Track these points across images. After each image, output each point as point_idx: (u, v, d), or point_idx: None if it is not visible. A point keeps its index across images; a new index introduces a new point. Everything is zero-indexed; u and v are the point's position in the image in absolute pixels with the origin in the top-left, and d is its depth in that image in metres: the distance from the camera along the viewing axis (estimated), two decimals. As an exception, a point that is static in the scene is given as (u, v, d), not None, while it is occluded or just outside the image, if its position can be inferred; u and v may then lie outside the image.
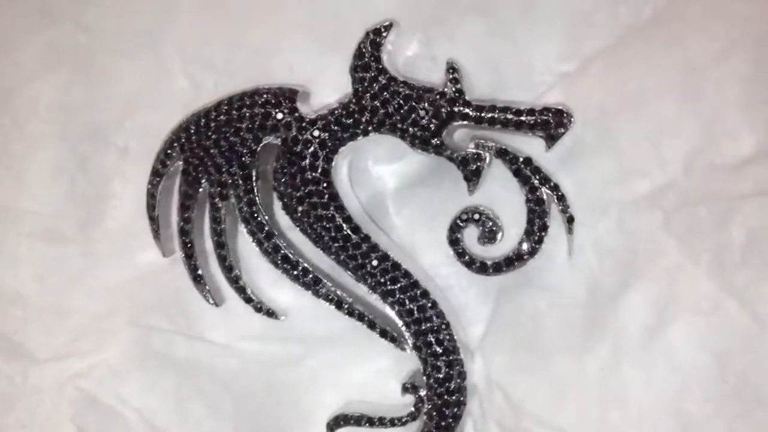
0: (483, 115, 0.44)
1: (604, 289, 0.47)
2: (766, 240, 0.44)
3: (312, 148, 0.46)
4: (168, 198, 0.50)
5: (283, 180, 0.47)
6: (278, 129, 0.46)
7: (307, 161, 0.46)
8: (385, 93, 0.45)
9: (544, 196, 0.44)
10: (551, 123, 0.43)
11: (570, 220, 0.44)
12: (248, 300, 0.49)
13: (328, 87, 0.47)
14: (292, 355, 0.52)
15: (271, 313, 0.49)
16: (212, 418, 0.52)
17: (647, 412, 0.46)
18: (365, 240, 0.47)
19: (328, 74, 0.48)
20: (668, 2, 0.46)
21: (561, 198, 0.44)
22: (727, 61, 0.44)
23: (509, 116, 0.43)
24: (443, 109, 0.44)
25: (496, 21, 0.47)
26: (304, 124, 0.46)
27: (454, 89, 0.44)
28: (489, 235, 0.46)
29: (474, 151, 0.44)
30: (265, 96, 0.47)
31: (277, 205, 0.48)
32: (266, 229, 0.47)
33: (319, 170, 0.46)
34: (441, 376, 0.47)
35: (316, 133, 0.46)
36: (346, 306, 0.48)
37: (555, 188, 0.44)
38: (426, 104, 0.44)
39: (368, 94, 0.45)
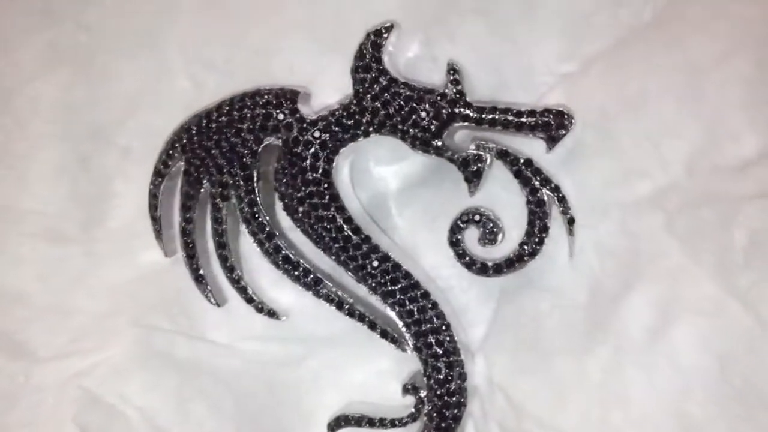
0: (484, 116, 0.44)
1: (605, 291, 0.47)
2: (768, 241, 0.44)
3: (313, 149, 0.46)
4: (170, 198, 0.50)
5: (284, 181, 0.47)
6: (279, 130, 0.47)
7: (308, 162, 0.46)
8: (386, 94, 0.45)
9: (545, 198, 0.44)
10: (552, 124, 0.43)
11: (571, 222, 0.44)
12: (249, 300, 0.49)
13: (329, 88, 0.47)
14: (293, 355, 0.52)
15: (272, 314, 0.49)
16: (214, 418, 0.52)
17: (649, 413, 0.46)
18: (366, 241, 0.47)
19: (329, 75, 0.48)
20: (669, 3, 0.46)
21: (562, 199, 0.44)
22: (728, 61, 0.44)
23: (510, 117, 0.43)
24: (444, 111, 0.44)
25: (497, 22, 0.47)
26: (305, 125, 0.46)
27: (454, 90, 0.44)
28: (490, 237, 0.46)
29: (475, 152, 0.44)
30: (266, 97, 0.47)
31: (279, 206, 0.48)
32: (267, 229, 0.48)
33: (320, 171, 0.46)
34: (441, 377, 0.47)
35: (316, 134, 0.46)
36: (346, 307, 0.48)
37: (556, 189, 0.44)
38: (427, 105, 0.44)
39: (369, 95, 0.45)
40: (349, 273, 0.47)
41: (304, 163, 0.46)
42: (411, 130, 0.44)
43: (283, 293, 0.50)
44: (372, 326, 0.48)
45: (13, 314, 0.54)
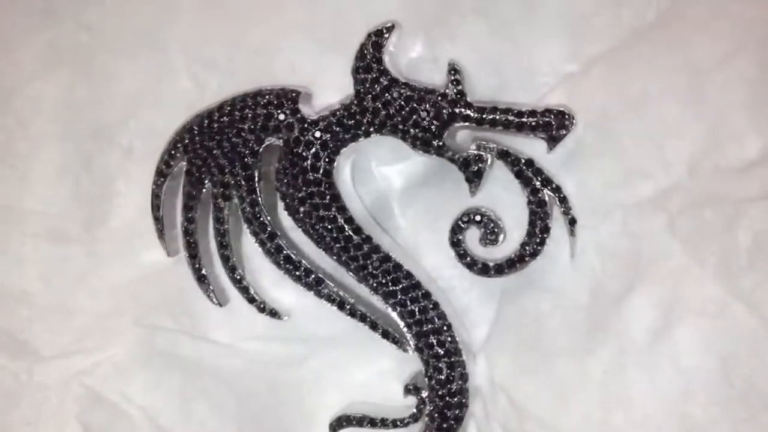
0: (484, 116, 0.44)
1: (607, 292, 0.46)
2: (772, 243, 0.44)
3: (314, 149, 0.46)
4: (172, 198, 0.50)
5: (285, 181, 0.47)
6: (280, 130, 0.47)
7: (309, 162, 0.46)
8: (387, 94, 0.45)
9: (546, 198, 0.44)
10: (553, 124, 0.43)
11: (572, 222, 0.44)
12: (251, 300, 0.49)
13: (330, 88, 0.47)
14: (295, 355, 0.52)
15: (274, 314, 0.49)
16: (216, 418, 0.53)
17: (651, 414, 0.46)
18: (367, 241, 0.47)
19: (330, 75, 0.48)
20: (672, 4, 0.45)
21: (563, 200, 0.44)
22: (731, 63, 0.44)
23: (511, 118, 0.43)
24: (444, 111, 0.44)
25: (498, 22, 0.47)
26: (306, 125, 0.46)
27: (455, 90, 0.44)
28: (491, 237, 0.46)
29: (475, 152, 0.44)
30: (267, 97, 0.47)
31: (280, 206, 0.48)
32: (269, 229, 0.48)
33: (321, 171, 0.46)
34: (443, 377, 0.47)
35: (317, 134, 0.46)
36: (348, 307, 0.48)
37: (557, 190, 0.44)
38: (427, 105, 0.44)
39: (370, 96, 0.45)
40: (351, 273, 0.47)
41: (306, 163, 0.46)
42: (412, 130, 0.44)
43: (285, 293, 0.50)
44: (373, 326, 0.48)
45: (15, 313, 0.54)
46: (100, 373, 0.53)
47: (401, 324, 0.47)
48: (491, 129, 0.44)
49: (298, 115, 0.46)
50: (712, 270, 0.44)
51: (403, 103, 0.44)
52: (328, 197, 0.46)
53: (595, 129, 0.46)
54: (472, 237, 0.46)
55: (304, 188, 0.46)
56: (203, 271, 0.49)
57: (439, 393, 0.47)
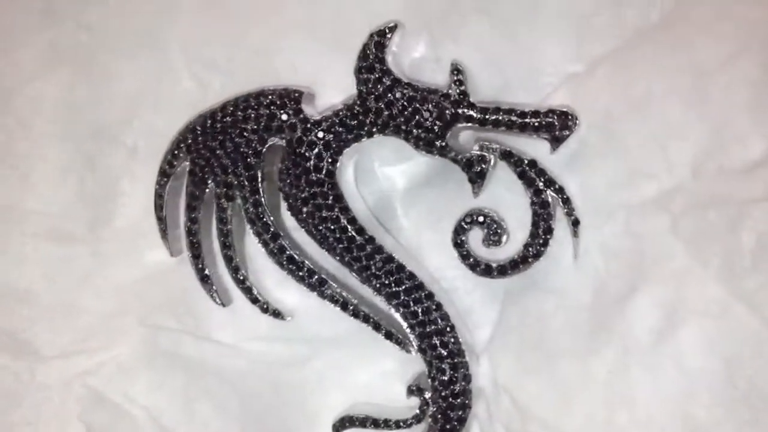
0: (487, 116, 0.43)
1: (610, 292, 0.46)
2: (776, 245, 0.44)
3: (317, 150, 0.46)
4: (176, 198, 0.50)
5: (288, 181, 0.47)
6: (283, 130, 0.47)
7: (312, 162, 0.46)
8: (390, 95, 0.45)
9: (549, 199, 0.44)
10: (556, 125, 0.43)
11: (575, 223, 0.44)
12: (255, 300, 0.49)
13: (332, 88, 0.47)
14: (298, 356, 0.52)
15: (277, 314, 0.49)
16: (219, 418, 0.53)
17: (655, 415, 0.46)
18: (370, 241, 0.47)
19: (333, 75, 0.47)
20: (676, 5, 0.45)
21: (566, 201, 0.44)
22: (735, 64, 0.44)
23: (514, 118, 0.43)
24: (447, 111, 0.44)
25: (502, 22, 0.47)
26: (308, 126, 0.46)
27: (458, 91, 0.44)
28: (494, 238, 0.46)
29: (478, 152, 0.44)
30: (270, 97, 0.47)
31: (283, 206, 0.48)
32: (272, 230, 0.48)
33: (324, 171, 0.46)
34: (446, 378, 0.47)
35: (320, 134, 0.46)
36: (351, 307, 0.48)
37: (560, 191, 0.44)
38: (430, 106, 0.44)
39: (372, 96, 0.45)
40: (354, 274, 0.47)
41: (308, 164, 0.46)
42: (414, 130, 0.44)
43: (288, 293, 0.50)
44: (377, 327, 0.48)
45: (18, 313, 0.54)
46: (103, 374, 0.53)
47: (404, 325, 0.47)
48: (494, 129, 0.44)
49: (301, 116, 0.46)
50: (715, 271, 0.44)
51: (405, 103, 0.44)
52: (331, 198, 0.46)
53: (598, 129, 0.46)
54: (475, 238, 0.46)
55: (307, 188, 0.46)
56: (206, 272, 0.49)
57: (443, 394, 0.47)
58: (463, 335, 0.47)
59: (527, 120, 0.43)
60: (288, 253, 0.48)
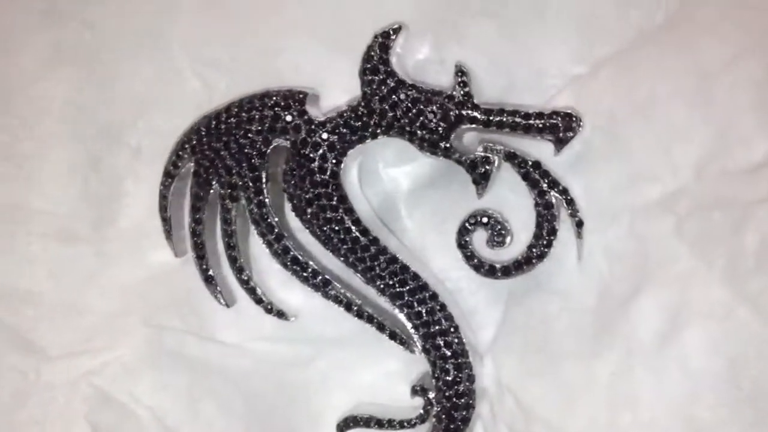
0: (491, 118, 0.43)
1: (614, 294, 0.46)
2: (780, 246, 0.44)
3: (321, 151, 0.46)
4: (180, 199, 0.50)
5: (292, 182, 0.47)
6: (287, 131, 0.47)
7: (316, 164, 0.46)
8: (394, 96, 0.45)
9: (553, 200, 0.44)
10: (560, 127, 0.43)
11: (579, 225, 0.44)
12: (259, 301, 0.49)
13: (337, 90, 0.47)
14: (302, 356, 0.52)
15: (281, 314, 0.49)
16: (223, 418, 0.53)
17: (658, 416, 0.46)
18: (374, 242, 0.47)
19: (337, 77, 0.47)
20: (680, 7, 0.45)
21: (570, 202, 0.44)
22: (739, 65, 0.44)
23: (518, 120, 0.43)
24: (451, 113, 0.44)
25: (506, 24, 0.47)
26: (313, 127, 0.46)
27: (462, 92, 0.44)
28: (498, 239, 0.46)
29: (482, 154, 0.44)
30: (274, 98, 0.47)
31: (288, 207, 0.48)
32: (276, 230, 0.48)
33: (328, 173, 0.46)
34: (450, 378, 0.47)
35: (325, 135, 0.46)
36: (355, 308, 0.48)
37: (564, 192, 0.44)
38: (434, 107, 0.44)
39: (377, 97, 0.45)
40: (358, 275, 0.47)
41: (313, 165, 0.46)
42: (419, 131, 0.44)
43: (292, 294, 0.50)
44: (381, 328, 0.48)
45: (24, 313, 0.54)
46: (108, 373, 0.54)
47: (408, 325, 0.47)
48: (498, 131, 0.44)
49: (306, 117, 0.46)
50: (719, 273, 0.44)
51: (410, 104, 0.44)
52: (335, 199, 0.46)
53: (602, 131, 0.46)
54: (479, 239, 0.46)
55: (311, 190, 0.46)
56: (211, 272, 0.49)
57: (446, 394, 0.47)
58: (467, 336, 0.47)
59: (531, 122, 0.43)
60: (292, 253, 0.48)
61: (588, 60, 0.46)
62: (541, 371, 0.48)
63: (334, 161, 0.46)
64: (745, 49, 0.44)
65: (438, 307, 0.47)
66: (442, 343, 0.47)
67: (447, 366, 0.47)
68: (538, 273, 0.46)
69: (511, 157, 0.44)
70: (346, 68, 0.46)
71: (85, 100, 0.53)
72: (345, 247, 0.47)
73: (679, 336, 0.45)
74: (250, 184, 0.47)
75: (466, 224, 0.46)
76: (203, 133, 0.48)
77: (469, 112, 0.44)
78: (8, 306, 0.54)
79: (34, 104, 0.53)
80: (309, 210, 0.47)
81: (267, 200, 0.47)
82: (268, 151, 0.47)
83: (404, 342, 0.48)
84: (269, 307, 0.49)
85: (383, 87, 0.45)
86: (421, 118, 0.44)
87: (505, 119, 0.43)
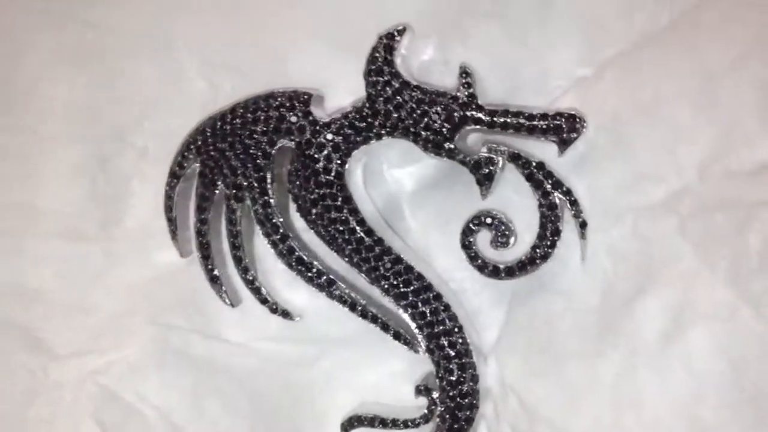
0: (495, 119, 0.44)
1: (618, 294, 0.46)
2: (783, 247, 0.44)
3: (326, 152, 0.46)
4: (186, 199, 0.50)
5: (297, 183, 0.47)
6: (292, 132, 0.47)
7: (321, 164, 0.46)
8: (398, 97, 0.45)
9: (557, 201, 0.44)
10: (564, 128, 0.43)
11: (583, 225, 0.44)
12: (264, 301, 0.49)
13: (342, 91, 0.47)
14: (307, 355, 0.52)
15: (286, 314, 0.49)
16: (228, 417, 0.53)
17: (661, 417, 0.46)
18: (378, 243, 0.47)
19: (342, 78, 0.48)
20: (685, 9, 0.45)
21: (574, 203, 0.44)
22: (743, 67, 0.44)
23: (522, 121, 0.43)
24: (456, 114, 0.44)
25: (511, 26, 0.47)
26: (317, 128, 0.46)
27: (466, 93, 0.44)
28: (502, 239, 0.46)
29: (486, 155, 0.44)
30: (279, 99, 0.47)
31: (293, 208, 0.48)
32: (281, 231, 0.48)
33: (333, 173, 0.46)
34: (453, 378, 0.47)
35: (329, 136, 0.46)
36: (359, 308, 0.48)
37: (567, 193, 0.44)
38: (439, 108, 0.44)
39: (381, 98, 0.45)
40: (362, 275, 0.48)
41: (317, 166, 0.46)
42: (423, 132, 0.45)
43: (297, 294, 0.50)
44: (385, 328, 0.48)
45: (32, 311, 0.54)
46: (115, 372, 0.54)
47: (413, 325, 0.47)
48: (502, 132, 0.44)
49: (310, 118, 0.46)
50: (722, 273, 0.44)
51: (414, 105, 0.45)
52: (339, 199, 0.47)
53: (606, 132, 0.46)
54: (483, 239, 0.46)
55: (316, 190, 0.47)
56: (216, 272, 0.49)
57: (450, 394, 0.47)
58: (471, 336, 0.48)
59: (535, 123, 0.43)
60: (297, 254, 0.48)
61: (592, 61, 0.46)
62: (545, 371, 0.48)
63: (338, 162, 0.46)
64: (750, 50, 0.44)
65: (442, 308, 0.47)
66: (446, 343, 0.47)
67: (451, 366, 0.47)
68: (541, 273, 0.46)
69: (515, 157, 0.44)
70: (350, 69, 0.46)
71: (92, 101, 0.53)
72: (349, 247, 0.47)
73: (682, 336, 0.45)
74: (255, 184, 0.48)
75: (470, 225, 0.46)
76: (209, 133, 0.48)
77: (474, 113, 0.44)
78: (17, 305, 0.54)
79: (41, 105, 0.54)
80: (314, 210, 0.47)
81: (272, 200, 0.48)
82: (273, 151, 0.47)
83: (408, 342, 0.48)
84: (274, 306, 0.49)
85: (388, 88, 0.45)
86: (426, 119, 0.44)
87: (509, 120, 0.43)
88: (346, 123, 0.46)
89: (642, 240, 0.46)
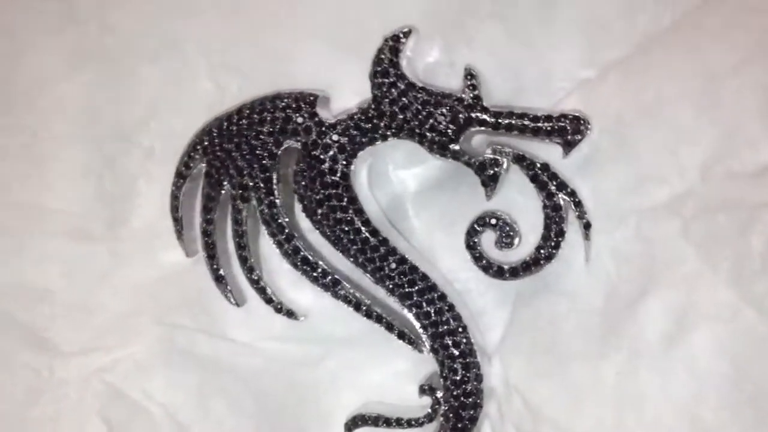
0: (500, 121, 0.44)
1: (621, 296, 0.47)
2: (786, 248, 0.44)
3: (331, 152, 0.47)
4: (192, 200, 0.50)
5: (303, 183, 0.47)
6: (298, 133, 0.47)
7: (327, 165, 0.47)
8: (404, 98, 0.45)
9: (561, 202, 0.44)
10: (568, 129, 0.43)
11: (587, 226, 0.44)
12: (269, 301, 0.49)
13: (347, 92, 0.47)
14: (312, 355, 0.52)
15: (291, 314, 0.49)
16: (233, 416, 0.53)
17: (663, 417, 0.46)
18: (383, 243, 0.47)
19: (348, 80, 0.48)
20: (687, 11, 0.45)
21: (578, 204, 0.44)
22: (746, 69, 0.44)
23: (526, 122, 0.43)
24: (461, 115, 0.44)
25: (516, 27, 0.47)
26: (323, 129, 0.47)
27: (471, 95, 0.44)
28: (506, 240, 0.46)
29: (491, 156, 0.44)
30: (285, 100, 0.47)
31: (298, 208, 0.48)
32: (287, 231, 0.48)
33: (339, 174, 0.47)
34: (457, 378, 0.47)
35: (335, 137, 0.46)
36: (364, 308, 0.48)
37: (572, 194, 0.44)
38: (444, 110, 0.44)
39: (387, 100, 0.45)
40: (367, 275, 0.48)
41: (323, 166, 0.47)
42: (428, 134, 0.45)
43: (302, 294, 0.50)
44: (389, 327, 0.48)
45: (38, 310, 0.54)
46: (121, 370, 0.54)
47: (417, 325, 0.48)
48: (507, 133, 0.44)
49: (316, 119, 0.47)
50: (725, 275, 0.45)
51: (419, 107, 0.45)
52: (345, 200, 0.47)
53: (610, 134, 0.46)
54: (487, 240, 0.46)
55: (321, 191, 0.47)
56: (221, 272, 0.50)
57: (454, 393, 0.48)
58: (475, 336, 0.48)
59: (540, 124, 0.43)
60: (302, 254, 0.48)
61: (596, 63, 0.47)
62: (549, 372, 0.48)
63: (344, 162, 0.47)
64: (752, 53, 0.44)
65: (446, 308, 0.47)
66: (450, 342, 0.47)
67: (455, 365, 0.47)
68: (546, 274, 0.46)
69: (520, 159, 0.44)
70: (356, 71, 0.46)
71: (99, 101, 0.53)
72: (355, 247, 0.47)
73: (685, 337, 0.45)
74: (261, 184, 0.48)
75: (475, 225, 0.46)
76: (215, 134, 0.48)
77: (479, 114, 0.44)
78: (22, 304, 0.55)
79: (48, 105, 0.54)
80: (319, 211, 0.47)
81: (278, 201, 0.48)
82: (279, 152, 0.47)
83: (413, 342, 0.48)
84: (279, 306, 0.49)
85: (393, 90, 0.45)
86: (431, 120, 0.45)
87: (513, 122, 0.44)
88: (352, 124, 0.46)
89: (645, 241, 0.46)
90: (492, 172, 0.44)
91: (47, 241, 0.54)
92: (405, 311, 0.48)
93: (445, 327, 0.47)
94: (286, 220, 0.48)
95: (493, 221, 0.46)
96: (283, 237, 0.48)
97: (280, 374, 0.53)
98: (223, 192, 0.49)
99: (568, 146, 0.43)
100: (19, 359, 0.55)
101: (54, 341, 0.55)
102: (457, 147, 0.45)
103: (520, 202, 0.47)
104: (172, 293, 0.53)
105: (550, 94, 0.47)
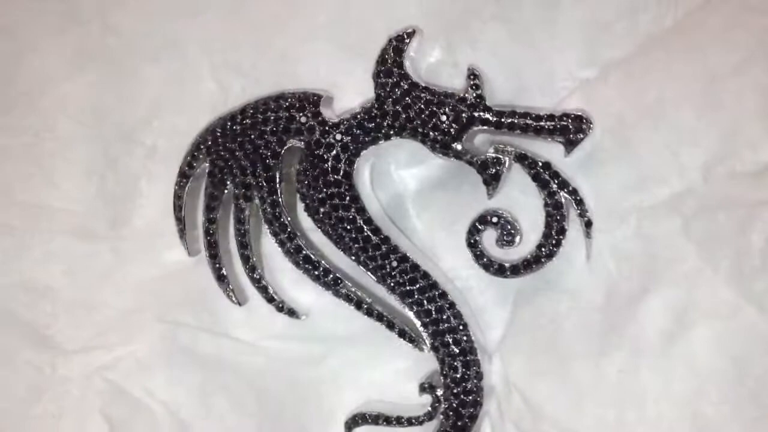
0: (503, 120, 0.44)
1: (622, 294, 0.47)
2: (786, 247, 0.44)
3: (334, 152, 0.47)
4: (194, 199, 0.50)
5: (305, 182, 0.47)
6: (302, 132, 0.47)
7: (330, 164, 0.47)
8: (407, 98, 0.45)
9: (563, 200, 0.45)
10: (570, 128, 0.43)
11: (588, 225, 0.45)
12: (270, 299, 0.50)
13: (351, 92, 0.48)
14: (314, 354, 0.52)
15: (292, 313, 0.50)
16: (235, 414, 0.53)
17: (664, 414, 0.46)
18: (385, 242, 0.47)
19: (352, 79, 0.48)
20: (689, 12, 0.46)
21: (579, 202, 0.44)
22: (747, 70, 0.44)
23: (529, 121, 0.44)
24: (463, 114, 0.44)
25: (518, 28, 0.47)
26: (327, 128, 0.47)
27: (474, 95, 0.44)
28: (507, 238, 0.46)
29: (493, 155, 0.45)
30: (289, 100, 0.47)
31: (300, 207, 0.48)
32: (289, 230, 0.48)
33: (341, 173, 0.47)
34: (458, 376, 0.48)
35: (338, 136, 0.47)
36: (365, 306, 0.48)
37: (573, 192, 0.44)
38: (447, 109, 0.45)
39: (390, 99, 0.45)
40: (369, 273, 0.48)
41: (326, 165, 0.47)
42: (431, 133, 0.45)
43: (304, 293, 0.51)
44: (390, 326, 0.48)
45: (40, 308, 0.55)
46: (123, 368, 0.54)
47: (418, 323, 0.48)
48: (509, 132, 0.44)
49: (320, 118, 0.47)
50: (725, 273, 0.45)
51: (422, 106, 0.45)
52: (347, 199, 0.47)
53: (612, 134, 0.46)
54: (488, 238, 0.47)
55: (324, 190, 0.47)
56: (223, 271, 0.50)
57: (455, 391, 0.48)
58: (476, 334, 0.48)
59: (542, 123, 0.44)
60: (304, 252, 0.48)
61: (598, 64, 0.47)
62: (550, 370, 0.49)
63: (347, 162, 0.47)
64: (753, 54, 0.44)
65: (447, 305, 0.47)
66: (450, 340, 0.48)
67: (455, 363, 0.48)
68: (546, 272, 0.46)
69: (522, 158, 0.45)
70: (360, 71, 0.47)
71: (103, 101, 0.53)
72: (356, 246, 0.47)
73: (685, 335, 0.46)
74: (264, 184, 0.48)
75: (476, 224, 0.46)
76: (218, 133, 0.49)
77: (481, 113, 0.44)
78: (25, 301, 0.55)
79: (51, 105, 0.54)
80: (321, 209, 0.47)
81: (280, 200, 0.48)
82: (282, 151, 0.48)
83: (413, 340, 0.48)
84: (280, 305, 0.50)
85: (396, 89, 0.45)
86: (434, 119, 0.45)
87: (516, 121, 0.44)
88: (355, 123, 0.46)
89: (646, 240, 0.46)
90: (494, 170, 0.45)
91: (50, 239, 0.54)
92: (406, 309, 0.48)
93: (446, 325, 0.47)
94: (289, 219, 0.48)
95: (495, 219, 0.46)
96: (285, 236, 0.48)
97: (281, 373, 0.53)
98: (226, 191, 0.49)
99: (571, 145, 0.43)
100: (22, 357, 0.55)
101: (56, 339, 0.55)
102: (459, 146, 0.45)
103: (522, 201, 0.47)
104: (174, 292, 0.53)
105: (552, 94, 0.47)
